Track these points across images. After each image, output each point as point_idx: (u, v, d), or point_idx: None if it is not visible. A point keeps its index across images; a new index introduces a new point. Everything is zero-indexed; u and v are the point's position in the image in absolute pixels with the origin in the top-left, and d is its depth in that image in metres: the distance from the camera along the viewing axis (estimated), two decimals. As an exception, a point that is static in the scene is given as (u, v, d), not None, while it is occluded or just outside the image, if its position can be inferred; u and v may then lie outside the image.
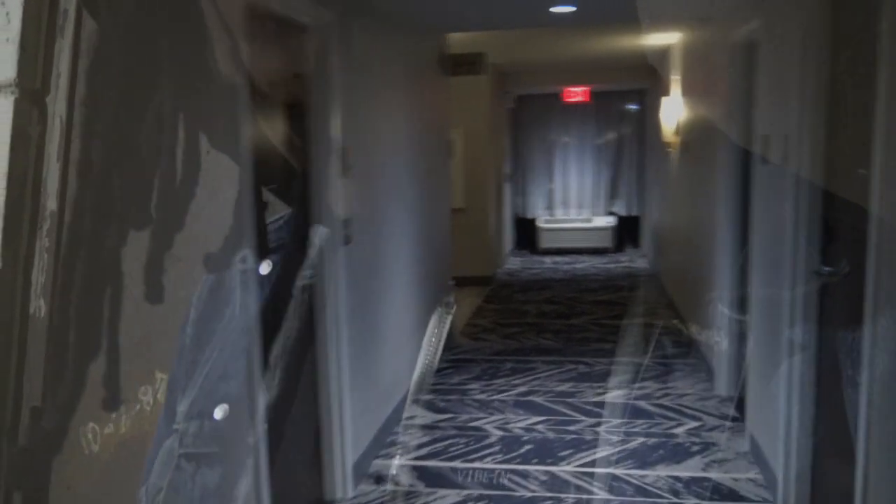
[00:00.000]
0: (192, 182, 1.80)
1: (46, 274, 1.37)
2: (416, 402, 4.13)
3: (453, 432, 3.70)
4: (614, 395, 4.09)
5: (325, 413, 2.98)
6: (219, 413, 2.48)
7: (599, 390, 4.19)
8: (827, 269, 2.45)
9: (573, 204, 9.78)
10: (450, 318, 6.69)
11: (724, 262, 3.97)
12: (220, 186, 1.95)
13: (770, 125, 3.03)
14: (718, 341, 4.05)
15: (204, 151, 1.84)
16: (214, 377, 2.31)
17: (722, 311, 4.02)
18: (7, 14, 1.28)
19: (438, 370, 4.69)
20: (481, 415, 3.91)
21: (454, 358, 4.97)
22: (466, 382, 4.44)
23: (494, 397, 4.16)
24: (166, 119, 1.69)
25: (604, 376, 4.43)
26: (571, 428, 3.66)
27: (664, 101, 6.23)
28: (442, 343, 5.41)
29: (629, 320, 5.82)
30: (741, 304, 3.88)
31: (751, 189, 3.25)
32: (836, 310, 2.44)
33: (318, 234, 2.98)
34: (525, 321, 5.96)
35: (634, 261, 8.70)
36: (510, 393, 4.22)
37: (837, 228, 2.43)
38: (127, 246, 1.57)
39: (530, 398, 4.12)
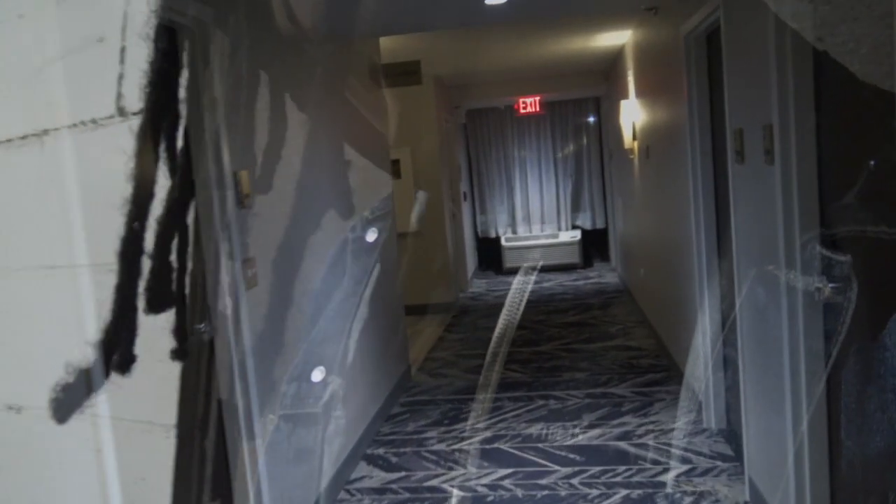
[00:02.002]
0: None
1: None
2: (364, 458, 3.59)
3: (406, 496, 3.16)
4: (590, 437, 3.60)
5: (239, 498, 2.43)
6: (317, 375, 2.90)
7: (574, 430, 3.69)
8: (831, 284, 1.99)
9: (536, 220, 9.35)
10: (532, 277, 7.16)
11: (702, 275, 3.52)
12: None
13: (743, 117, 2.60)
14: (706, 367, 3.59)
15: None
16: (318, 341, 2.70)
17: (705, 331, 3.56)
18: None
19: (392, 416, 4.16)
20: (439, 470, 3.38)
21: (410, 400, 4.44)
22: (423, 430, 3.92)
23: (455, 447, 3.64)
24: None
25: (577, 413, 3.94)
26: (543, 482, 3.15)
27: (622, 104, 5.84)
28: (524, 301, 6.66)
29: (602, 343, 5.35)
30: (726, 320, 3.43)
31: (728, 192, 2.81)
32: (845, 331, 1.99)
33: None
34: (489, 351, 5.45)
35: (604, 276, 8.27)
36: (473, 440, 3.70)
37: (840, 235, 1.98)
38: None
39: (496, 445, 3.61)
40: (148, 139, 1.78)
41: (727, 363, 3.47)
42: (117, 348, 1.64)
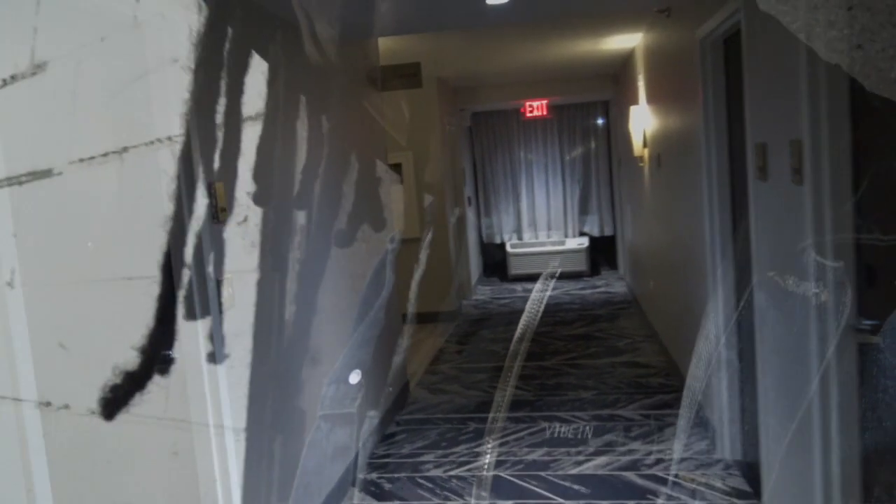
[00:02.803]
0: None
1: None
2: (356, 483, 3.40)
3: (400, 528, 2.97)
4: (596, 465, 3.39)
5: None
6: (353, 378, 3.24)
7: (578, 457, 3.49)
8: (867, 322, 1.78)
9: (542, 226, 9.13)
10: (552, 282, 7.17)
11: (716, 293, 3.31)
12: None
13: (767, 131, 2.39)
14: (719, 391, 3.38)
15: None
16: (357, 345, 2.90)
17: (719, 352, 3.35)
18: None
19: (388, 436, 3.96)
20: (435, 500, 3.18)
21: (408, 419, 4.24)
22: (420, 453, 3.72)
23: (452, 473, 3.44)
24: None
25: (583, 436, 3.73)
26: (544, 516, 2.94)
27: (633, 110, 5.63)
28: (544, 304, 6.89)
29: (609, 359, 5.14)
30: (742, 342, 3.22)
31: (747, 209, 2.60)
32: (884, 371, 1.78)
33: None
34: (492, 364, 5.25)
35: (611, 285, 8.05)
36: (471, 466, 3.50)
37: (879, 266, 1.77)
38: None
39: (496, 472, 3.40)
40: (188, 161, 1.89)
41: (743, 387, 3.26)
42: (159, 352, 1.82)
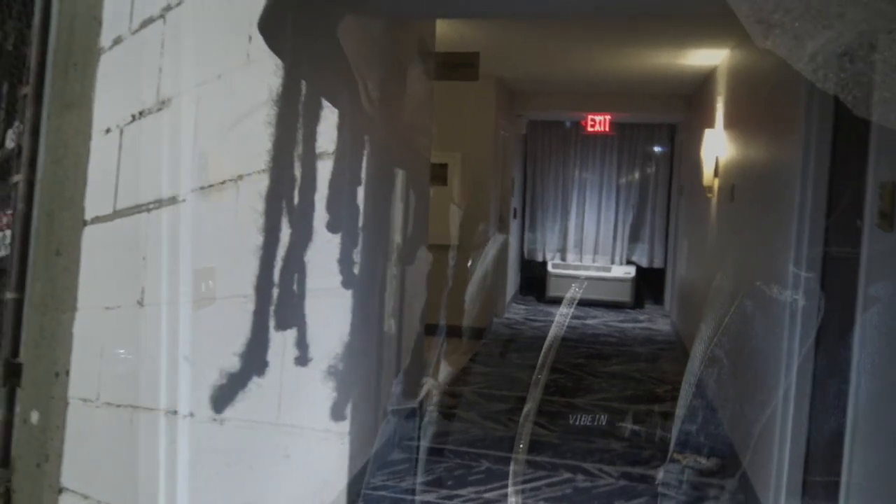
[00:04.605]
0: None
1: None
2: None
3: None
4: (622, 538, 2.89)
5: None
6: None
7: (601, 523, 2.99)
8: None
9: (588, 249, 8.60)
10: (582, 289, 7.70)
11: (791, 354, 2.80)
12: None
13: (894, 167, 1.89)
14: (779, 464, 2.87)
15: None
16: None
17: (785, 420, 2.84)
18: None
19: (388, 464, 3.53)
20: (430, 552, 2.73)
21: (414, 445, 3.79)
22: (421, 490, 3.27)
23: (454, 521, 2.98)
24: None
25: (609, 498, 3.23)
26: None
27: (707, 133, 5.10)
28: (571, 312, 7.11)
29: (646, 406, 4.61)
30: (815, 410, 2.69)
31: (859, 268, 2.09)
32: None
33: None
34: (516, 394, 4.78)
35: (654, 321, 7.48)
36: (477, 515, 3.04)
37: None
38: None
39: (504, 527, 2.94)
40: (273, 198, 2.07)
41: (809, 469, 2.74)
42: (256, 357, 2.07)
